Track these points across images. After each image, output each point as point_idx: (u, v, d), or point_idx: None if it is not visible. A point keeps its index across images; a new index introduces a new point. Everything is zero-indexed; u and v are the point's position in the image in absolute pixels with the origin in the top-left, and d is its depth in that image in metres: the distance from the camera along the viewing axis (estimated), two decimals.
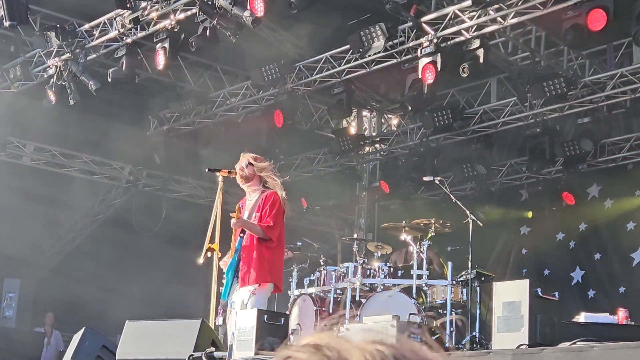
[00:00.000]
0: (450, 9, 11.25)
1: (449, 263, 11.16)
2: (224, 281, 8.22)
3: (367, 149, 16.29)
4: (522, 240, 15.45)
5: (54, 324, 15.37)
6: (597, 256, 14.34)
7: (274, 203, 8.14)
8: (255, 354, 6.97)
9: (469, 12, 11.20)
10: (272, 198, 8.18)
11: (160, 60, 12.10)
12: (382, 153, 16.33)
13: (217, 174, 8.45)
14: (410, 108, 12.43)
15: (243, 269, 8.08)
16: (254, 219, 8.12)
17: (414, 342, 1.54)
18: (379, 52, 11.99)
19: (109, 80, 12.72)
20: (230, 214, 8.08)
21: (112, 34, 12.43)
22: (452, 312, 10.87)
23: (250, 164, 8.32)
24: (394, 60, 12.31)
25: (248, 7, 10.66)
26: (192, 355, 7.35)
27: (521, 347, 5.62)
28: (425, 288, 11.14)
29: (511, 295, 5.84)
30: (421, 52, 11.64)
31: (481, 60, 11.41)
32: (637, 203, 13.94)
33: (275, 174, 8.46)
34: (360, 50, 11.96)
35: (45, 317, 15.37)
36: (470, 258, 11.04)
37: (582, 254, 14.59)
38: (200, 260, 8.35)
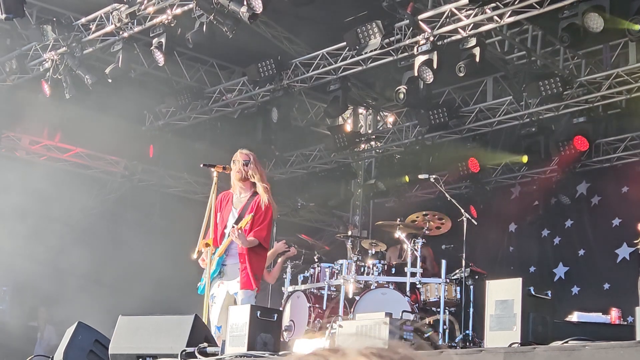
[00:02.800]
0: (447, 7, 11.26)
1: (443, 261, 11.17)
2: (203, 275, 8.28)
3: (362, 146, 16.29)
4: (510, 238, 15.51)
5: (47, 319, 15.35)
6: (581, 252, 14.37)
7: (267, 210, 8.23)
8: (248, 349, 6.98)
9: (466, 11, 11.21)
10: (266, 206, 8.24)
11: (159, 57, 12.11)
12: (377, 150, 16.34)
13: (212, 169, 8.47)
14: (402, 96, 12.35)
15: (233, 265, 8.16)
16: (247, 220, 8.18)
17: (405, 349, 1.57)
18: (375, 50, 12.00)
19: (105, 74, 12.72)
20: (233, 226, 8.15)
21: (109, 28, 12.42)
22: (446, 310, 10.89)
23: (252, 162, 8.35)
24: (390, 58, 12.32)
25: (245, 3, 10.66)
26: (184, 350, 7.34)
27: (513, 345, 5.63)
28: (419, 286, 11.16)
29: (504, 294, 5.85)
30: (417, 50, 11.65)
31: (477, 59, 11.42)
32: (623, 199, 13.95)
33: (266, 184, 8.47)
34: (357, 47, 11.96)
35: (38, 312, 15.36)
36: (464, 256, 11.07)
37: (566, 250, 14.62)
38: (194, 256, 8.37)
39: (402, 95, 12.42)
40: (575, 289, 14.26)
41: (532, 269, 14.88)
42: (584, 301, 13.14)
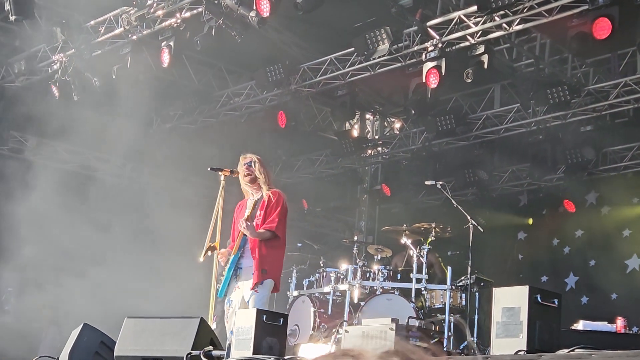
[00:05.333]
0: (455, 14, 11.27)
1: (449, 268, 11.18)
2: (222, 278, 8.25)
3: (369, 151, 16.29)
4: (519, 246, 15.48)
5: (52, 319, 15.36)
6: (592, 263, 14.35)
7: (278, 201, 8.20)
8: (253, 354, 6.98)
9: (475, 18, 11.22)
10: (276, 196, 8.23)
11: (165, 58, 12.13)
12: (384, 156, 16.34)
13: (220, 173, 8.47)
14: (413, 112, 12.44)
15: (248, 268, 8.14)
16: (259, 217, 8.16)
17: (418, 354, 1.55)
18: (383, 56, 12.01)
19: (113, 77, 12.75)
20: (240, 220, 8.12)
21: (118, 30, 12.46)
22: (451, 316, 10.89)
23: (256, 162, 8.35)
24: (399, 64, 12.33)
25: (254, 7, 10.68)
26: (190, 353, 7.35)
27: (519, 353, 5.62)
28: (424, 292, 11.17)
29: (511, 301, 5.85)
30: (426, 57, 11.66)
31: (485, 66, 11.43)
32: (634, 210, 13.94)
33: (271, 184, 8.46)
34: (365, 53, 11.97)
35: (42, 313, 15.37)
36: (470, 263, 11.07)
37: (576, 260, 14.61)
38: (201, 259, 8.37)
39: (413, 112, 12.47)
40: (584, 299, 14.23)
41: (544, 278, 14.83)
42: (592, 311, 13.12)
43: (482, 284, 11.30)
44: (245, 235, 8.24)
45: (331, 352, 1.52)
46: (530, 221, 15.22)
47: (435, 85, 11.59)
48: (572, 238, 14.75)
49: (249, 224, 8.05)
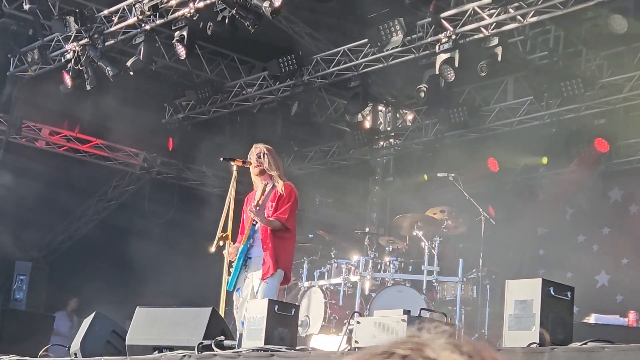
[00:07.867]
0: (469, 6, 11.22)
1: (460, 260, 11.16)
2: (232, 270, 8.26)
3: (381, 143, 16.27)
4: (538, 241, 15.28)
5: (75, 308, 15.47)
6: (625, 261, 14.13)
7: (290, 195, 8.22)
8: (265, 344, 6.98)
9: (489, 10, 11.17)
10: (289, 189, 8.25)
11: (181, 51, 12.12)
12: (396, 148, 16.31)
13: (232, 163, 8.48)
14: (423, 95, 12.34)
15: (257, 258, 8.15)
16: (270, 208, 8.17)
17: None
18: (397, 47, 11.97)
19: (129, 70, 12.76)
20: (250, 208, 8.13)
21: (131, 20, 12.45)
22: (462, 309, 10.88)
23: (266, 154, 8.35)
24: (412, 56, 12.29)
25: None
26: (201, 343, 7.36)
27: (532, 345, 5.61)
28: (435, 284, 11.16)
29: (523, 294, 5.83)
30: (439, 48, 11.61)
31: (499, 58, 11.38)
32: None
33: (284, 176, 8.48)
34: (379, 44, 11.93)
35: (70, 301, 15.50)
36: (482, 255, 11.05)
37: (607, 257, 14.35)
38: (212, 249, 8.38)
39: (422, 94, 12.40)
40: (619, 297, 14.06)
41: (569, 274, 14.61)
42: (630, 309, 12.94)
43: (494, 276, 11.29)
44: (254, 225, 8.25)
45: (392, 342, 1.46)
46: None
47: (450, 79, 11.55)
48: (599, 235, 14.53)
49: (257, 209, 8.06)
